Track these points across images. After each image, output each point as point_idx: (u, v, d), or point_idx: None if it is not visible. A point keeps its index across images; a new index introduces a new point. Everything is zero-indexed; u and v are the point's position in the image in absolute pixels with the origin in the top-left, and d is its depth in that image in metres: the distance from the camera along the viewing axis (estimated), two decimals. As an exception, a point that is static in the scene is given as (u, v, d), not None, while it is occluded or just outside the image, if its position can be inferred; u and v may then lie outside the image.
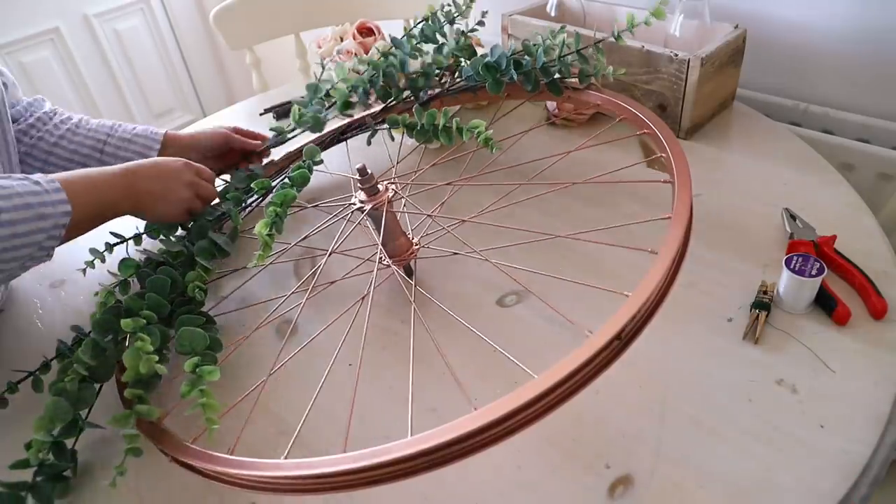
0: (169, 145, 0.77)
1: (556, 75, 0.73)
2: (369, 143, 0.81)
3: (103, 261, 0.68)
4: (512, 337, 0.59)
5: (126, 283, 0.63)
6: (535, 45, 0.72)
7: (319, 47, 1.02)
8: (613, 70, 0.72)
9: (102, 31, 1.81)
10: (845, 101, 0.93)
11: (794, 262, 0.57)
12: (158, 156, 0.75)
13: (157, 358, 0.51)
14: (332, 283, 0.63)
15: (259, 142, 0.83)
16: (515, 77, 0.72)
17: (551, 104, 0.91)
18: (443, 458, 0.39)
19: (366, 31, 1.02)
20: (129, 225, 0.68)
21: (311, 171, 0.67)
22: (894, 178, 0.88)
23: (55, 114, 0.75)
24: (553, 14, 0.99)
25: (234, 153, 0.82)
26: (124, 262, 0.63)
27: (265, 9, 1.28)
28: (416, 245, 0.64)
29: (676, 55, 0.78)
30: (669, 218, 0.53)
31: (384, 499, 0.48)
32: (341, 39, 1.02)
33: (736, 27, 0.84)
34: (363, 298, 0.58)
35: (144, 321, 0.54)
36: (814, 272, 0.56)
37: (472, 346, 0.55)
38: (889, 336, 0.54)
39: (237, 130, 0.83)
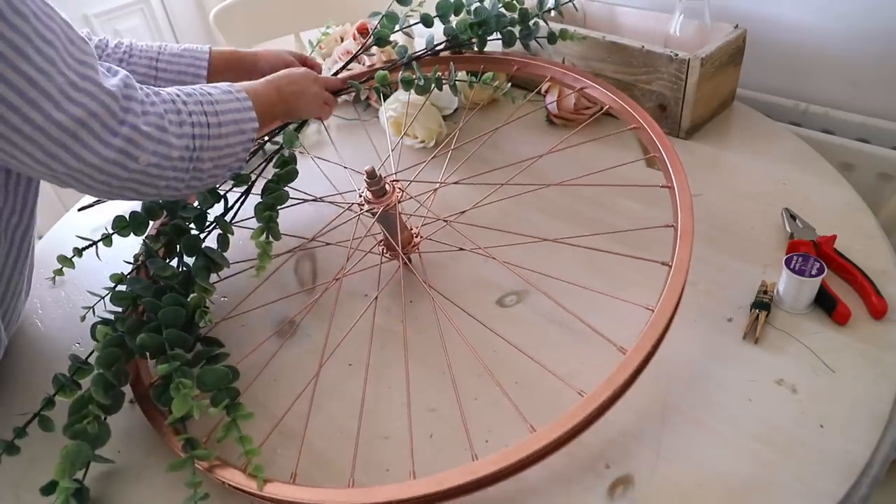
0: (230, 68, 0.79)
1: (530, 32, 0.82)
2: (357, 100, 0.82)
3: (73, 267, 0.66)
4: (512, 337, 0.59)
5: (122, 316, 0.58)
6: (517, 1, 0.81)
7: (321, 48, 1.03)
8: (573, 34, 0.82)
9: (103, 30, 1.81)
10: (845, 101, 0.92)
11: (794, 261, 0.57)
12: (210, 77, 0.77)
13: (207, 403, 0.50)
14: (338, 279, 0.62)
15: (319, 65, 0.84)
16: (499, 34, 0.80)
17: (551, 104, 0.90)
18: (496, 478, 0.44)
19: (366, 32, 1.02)
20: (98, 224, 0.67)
21: (295, 161, 0.66)
22: (894, 177, 0.88)
23: (109, 41, 0.78)
24: (552, 14, 0.99)
25: None
26: (117, 295, 0.58)
27: (265, 9, 1.28)
28: (418, 237, 0.64)
29: (676, 55, 0.78)
30: (672, 226, 0.54)
31: (384, 499, 0.48)
32: (342, 40, 1.02)
33: (736, 27, 0.84)
34: (375, 298, 0.58)
35: (178, 363, 0.51)
36: (814, 272, 0.56)
37: (472, 344, 0.55)
38: (889, 336, 0.54)
39: (301, 59, 0.83)
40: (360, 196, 0.62)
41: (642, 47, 0.81)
